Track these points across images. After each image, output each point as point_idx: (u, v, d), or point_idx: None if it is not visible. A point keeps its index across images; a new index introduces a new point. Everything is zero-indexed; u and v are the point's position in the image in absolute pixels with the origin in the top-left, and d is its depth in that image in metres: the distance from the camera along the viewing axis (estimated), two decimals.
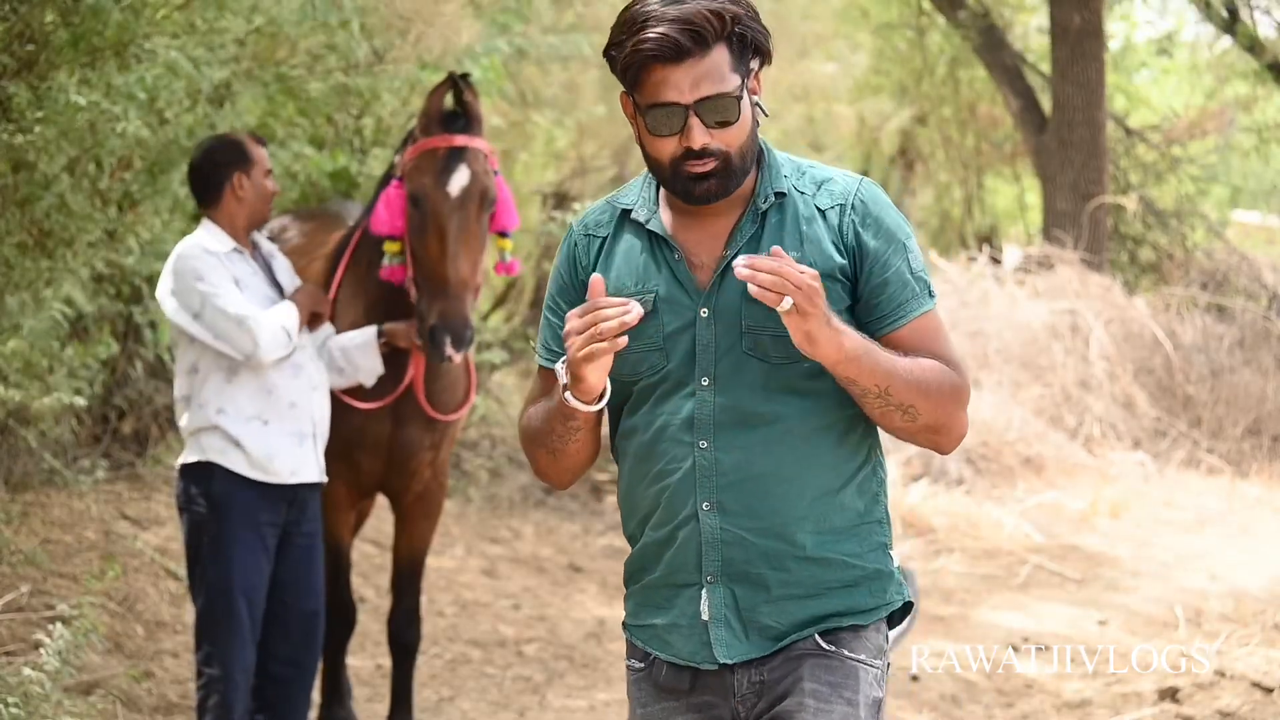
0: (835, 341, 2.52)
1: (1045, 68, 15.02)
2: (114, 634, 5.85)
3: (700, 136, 2.55)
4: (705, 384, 2.62)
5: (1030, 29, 17.28)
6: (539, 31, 8.55)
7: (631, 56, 2.55)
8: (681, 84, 2.54)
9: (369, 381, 5.02)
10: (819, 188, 2.68)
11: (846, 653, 2.65)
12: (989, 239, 17.09)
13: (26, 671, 4.53)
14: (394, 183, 4.97)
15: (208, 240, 4.76)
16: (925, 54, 16.90)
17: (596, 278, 2.55)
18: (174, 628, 6.22)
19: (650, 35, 2.52)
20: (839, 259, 2.63)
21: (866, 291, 2.64)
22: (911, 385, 2.59)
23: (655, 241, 2.68)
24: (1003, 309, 12.39)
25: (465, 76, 4.99)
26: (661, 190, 2.71)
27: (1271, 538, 9.74)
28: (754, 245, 2.63)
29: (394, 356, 5.03)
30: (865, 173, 18.17)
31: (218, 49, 6.19)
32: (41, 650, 4.64)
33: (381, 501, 6.48)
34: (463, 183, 4.85)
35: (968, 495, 10.15)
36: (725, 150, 2.58)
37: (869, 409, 2.62)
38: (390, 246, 4.95)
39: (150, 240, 6.43)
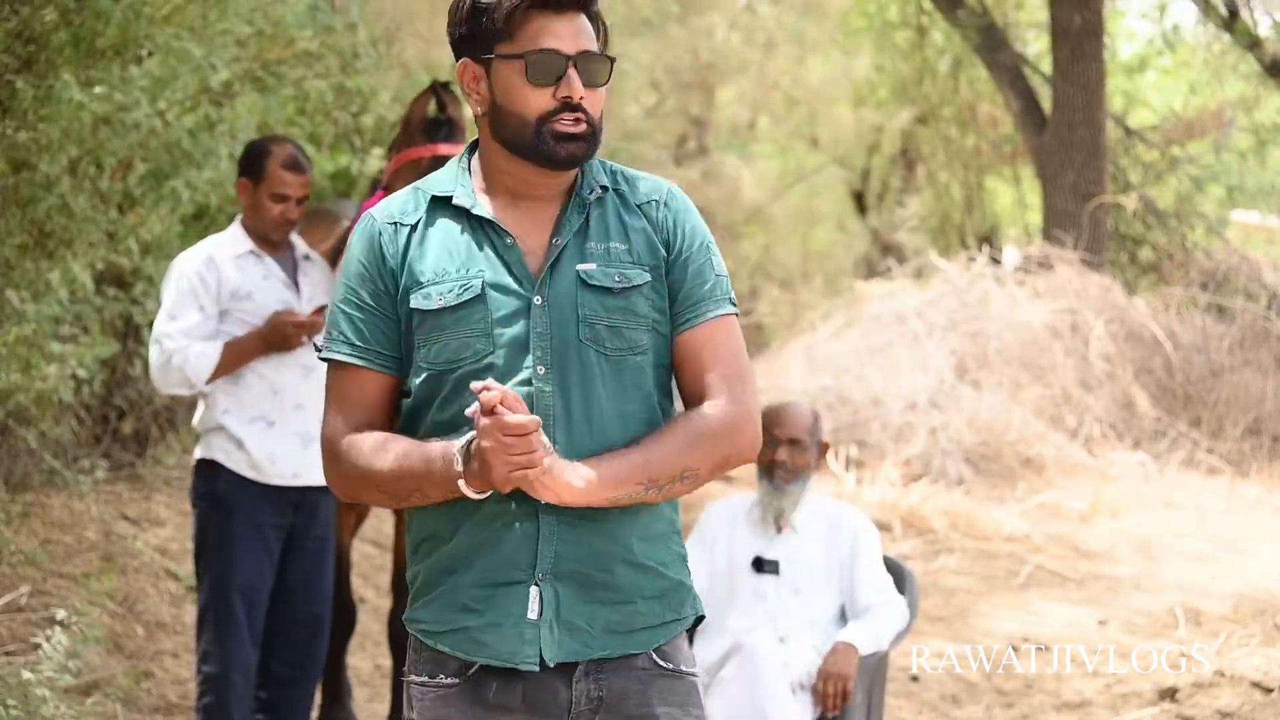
0: (564, 486, 2.50)
1: (1045, 68, 15.03)
2: (114, 634, 5.85)
3: (579, 88, 2.55)
4: (541, 373, 2.56)
5: (1030, 29, 17.28)
6: None
7: (514, 1, 2.54)
8: (564, 34, 2.54)
9: None
10: (631, 185, 2.69)
11: (685, 668, 2.67)
12: (989, 239, 17.09)
13: (25, 674, 4.53)
14: (379, 192, 4.96)
15: (222, 241, 4.77)
16: (925, 54, 16.90)
17: (489, 396, 2.42)
18: (174, 628, 6.22)
19: None
20: (662, 251, 2.63)
21: (669, 289, 2.64)
22: (670, 456, 2.58)
23: (480, 227, 2.62)
24: (1003, 309, 12.39)
25: (446, 85, 4.98)
26: (477, 178, 2.67)
27: (1271, 538, 9.74)
28: (583, 235, 2.62)
29: None
30: (866, 173, 18.20)
31: (219, 49, 6.19)
32: (41, 651, 4.64)
33: None
34: None
35: (968, 495, 10.15)
36: (591, 114, 2.58)
37: (654, 501, 2.62)
38: None
39: (151, 241, 6.43)
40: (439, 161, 4.85)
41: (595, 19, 2.61)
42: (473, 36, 2.58)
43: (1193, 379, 12.58)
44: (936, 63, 16.97)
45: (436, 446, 2.54)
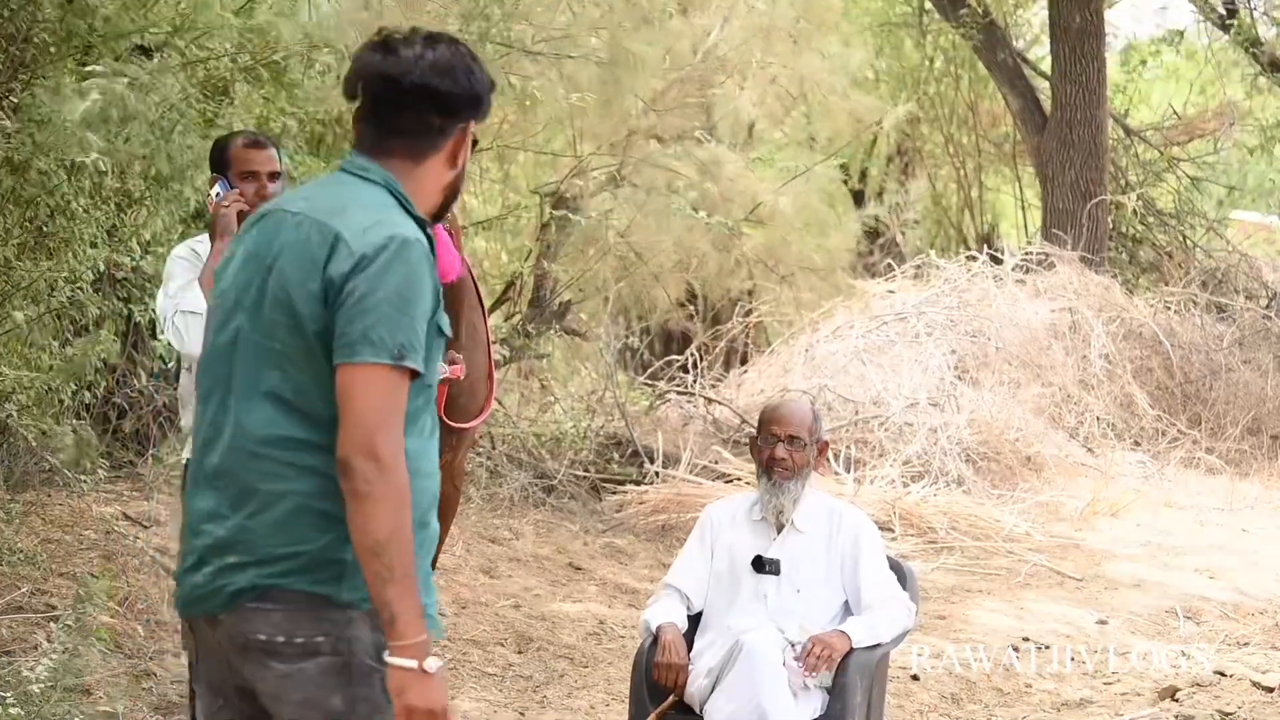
0: None
1: (1046, 67, 15.04)
2: (114, 634, 5.85)
3: None
4: None
5: (1031, 28, 17.27)
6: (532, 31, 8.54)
7: None
8: None
9: None
10: None
11: None
12: (989, 238, 17.09)
13: (26, 674, 4.53)
14: None
15: (206, 239, 4.76)
16: (925, 53, 16.90)
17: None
18: (174, 627, 6.21)
19: None
20: None
21: None
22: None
23: None
24: (1003, 309, 12.39)
25: None
26: None
27: (1271, 538, 9.74)
28: None
29: None
30: (865, 171, 18.15)
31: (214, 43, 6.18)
32: (41, 650, 4.64)
33: None
34: None
35: (968, 495, 10.14)
36: None
37: None
38: None
39: (150, 241, 6.42)
40: None
41: None
42: None
43: (1193, 379, 12.58)
44: (937, 61, 16.96)
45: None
